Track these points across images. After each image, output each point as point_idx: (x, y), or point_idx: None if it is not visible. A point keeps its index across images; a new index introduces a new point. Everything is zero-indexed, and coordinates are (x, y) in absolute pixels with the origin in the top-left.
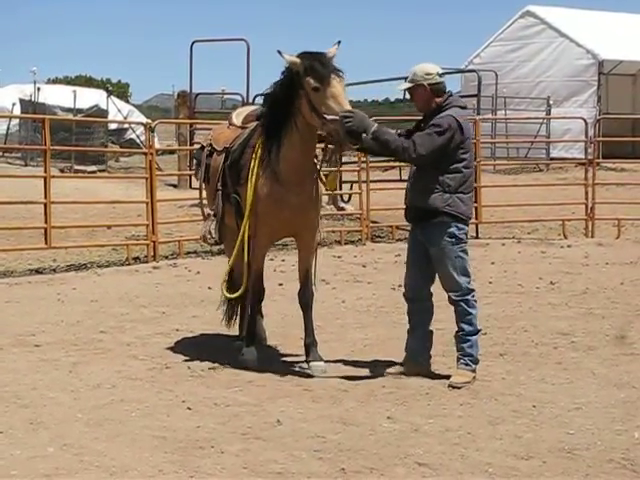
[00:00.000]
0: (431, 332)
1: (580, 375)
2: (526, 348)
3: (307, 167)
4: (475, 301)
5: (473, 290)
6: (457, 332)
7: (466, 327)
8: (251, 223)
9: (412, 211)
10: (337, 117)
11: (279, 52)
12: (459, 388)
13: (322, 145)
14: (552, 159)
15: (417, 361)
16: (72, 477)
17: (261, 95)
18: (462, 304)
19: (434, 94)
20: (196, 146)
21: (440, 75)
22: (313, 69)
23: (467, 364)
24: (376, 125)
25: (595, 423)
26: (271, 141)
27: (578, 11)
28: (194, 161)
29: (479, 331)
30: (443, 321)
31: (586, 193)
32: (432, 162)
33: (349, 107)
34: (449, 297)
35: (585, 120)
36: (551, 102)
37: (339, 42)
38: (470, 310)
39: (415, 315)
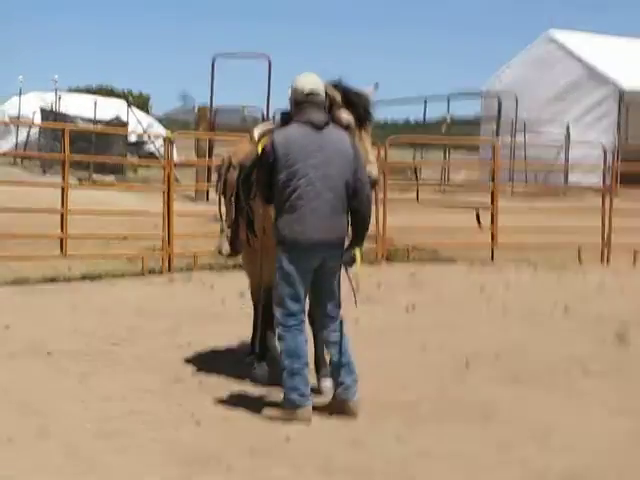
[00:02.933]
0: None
1: (591, 402)
2: (538, 374)
3: None
4: (290, 333)
5: (284, 324)
6: None
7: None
8: (261, 237)
9: None
10: None
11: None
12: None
13: None
14: (570, 185)
15: None
16: None
17: (283, 113)
18: (279, 337)
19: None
20: (215, 160)
21: (310, 95)
22: (352, 106)
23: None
24: None
25: (606, 451)
26: None
27: (600, 37)
28: (216, 175)
29: (285, 369)
30: (456, 344)
31: (603, 220)
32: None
33: (373, 154)
34: None
35: (604, 147)
36: (570, 128)
37: (377, 84)
38: (281, 343)
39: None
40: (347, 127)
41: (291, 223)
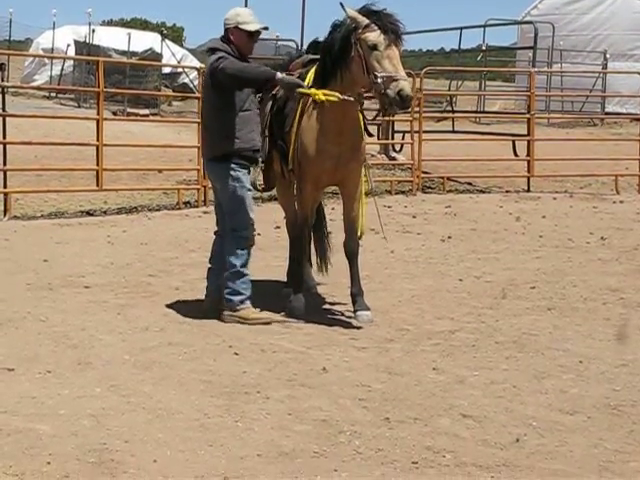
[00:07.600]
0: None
1: (628, 332)
2: (574, 303)
3: (347, 118)
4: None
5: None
6: None
7: None
8: (296, 171)
9: None
10: (390, 75)
11: (341, 4)
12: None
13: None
14: (607, 114)
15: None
16: (118, 418)
17: (311, 42)
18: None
19: None
20: None
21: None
22: (379, 26)
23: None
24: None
25: None
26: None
27: None
28: None
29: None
30: (492, 273)
31: None
32: None
33: (403, 71)
34: None
35: None
36: (608, 56)
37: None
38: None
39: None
40: (374, 47)
41: None
